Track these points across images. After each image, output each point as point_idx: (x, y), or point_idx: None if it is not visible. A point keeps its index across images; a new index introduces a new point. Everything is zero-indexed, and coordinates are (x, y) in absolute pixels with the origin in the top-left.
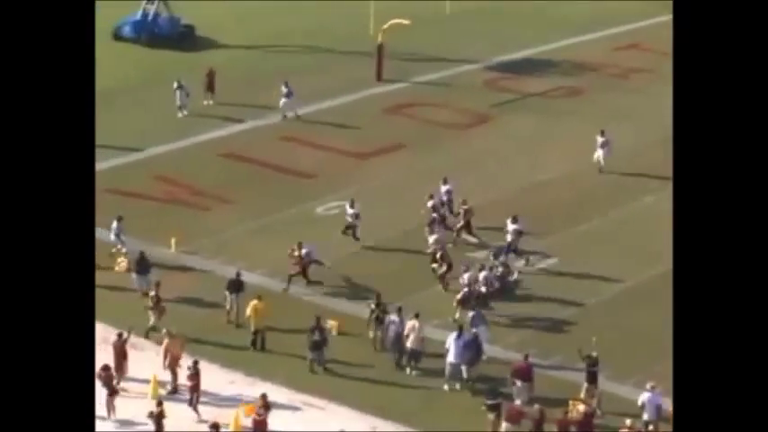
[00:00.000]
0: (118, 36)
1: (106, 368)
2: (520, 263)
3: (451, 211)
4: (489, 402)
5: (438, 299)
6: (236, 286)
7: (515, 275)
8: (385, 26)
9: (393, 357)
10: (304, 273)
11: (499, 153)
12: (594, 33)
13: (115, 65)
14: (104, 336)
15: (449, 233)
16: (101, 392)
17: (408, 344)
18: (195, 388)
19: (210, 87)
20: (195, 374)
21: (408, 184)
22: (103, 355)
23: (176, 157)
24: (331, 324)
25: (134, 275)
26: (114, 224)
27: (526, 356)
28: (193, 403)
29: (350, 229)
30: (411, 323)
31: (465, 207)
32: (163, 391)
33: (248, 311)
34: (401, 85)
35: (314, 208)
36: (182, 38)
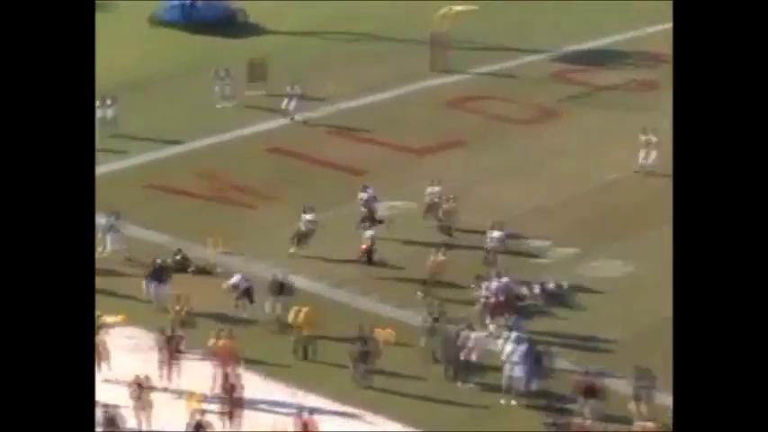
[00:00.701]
0: (157, 21)
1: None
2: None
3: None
4: (549, 420)
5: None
6: (280, 289)
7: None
8: (444, 12)
9: (446, 369)
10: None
11: (567, 151)
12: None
13: (154, 52)
14: (142, 342)
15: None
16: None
17: (463, 355)
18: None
19: (256, 77)
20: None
21: (468, 184)
22: (139, 364)
23: (219, 151)
24: (380, 333)
25: (150, 285)
26: (108, 220)
27: (586, 372)
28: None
29: (302, 238)
30: (467, 333)
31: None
32: (202, 404)
33: (292, 317)
34: (461, 76)
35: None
36: (225, 23)
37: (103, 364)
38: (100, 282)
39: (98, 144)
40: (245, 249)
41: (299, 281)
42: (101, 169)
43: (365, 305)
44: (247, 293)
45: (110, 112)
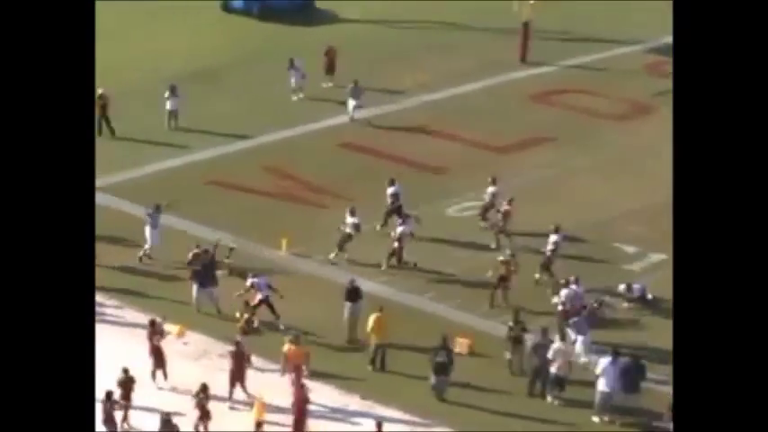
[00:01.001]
0: (227, 8)
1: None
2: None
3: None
4: None
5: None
6: (354, 296)
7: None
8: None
9: (531, 382)
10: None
11: (662, 149)
12: None
13: (223, 40)
14: (205, 348)
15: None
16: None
17: (553, 369)
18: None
19: (330, 68)
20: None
21: (556, 183)
22: (199, 371)
23: (290, 146)
24: (461, 343)
25: (194, 288)
26: (148, 213)
27: None
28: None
29: (344, 242)
30: (557, 345)
31: (506, 207)
32: (266, 415)
33: (369, 325)
34: (549, 68)
35: (445, 208)
36: (298, 10)
37: (159, 372)
38: (158, 284)
39: (159, 137)
40: (313, 251)
41: (373, 287)
42: (160, 165)
43: (440, 311)
44: (267, 304)
45: (172, 104)
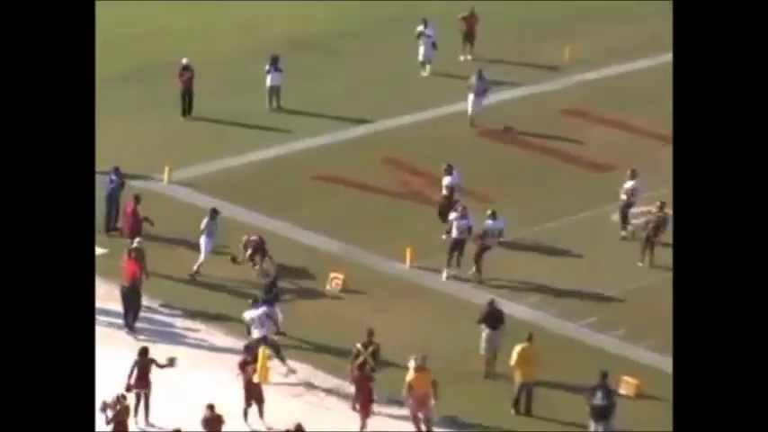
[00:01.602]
0: None
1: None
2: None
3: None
4: None
5: None
6: (494, 320)
7: None
8: None
9: None
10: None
11: None
12: None
13: (334, 2)
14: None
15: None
16: None
17: None
18: None
19: (469, 37)
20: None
21: None
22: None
23: (415, 133)
24: (626, 382)
25: (250, 316)
26: (204, 221)
27: None
28: None
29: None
30: None
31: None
32: None
33: (514, 358)
34: None
35: (609, 214)
36: None
37: (252, 410)
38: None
39: (258, 121)
40: (444, 264)
41: (518, 309)
42: (258, 155)
43: (601, 342)
44: (271, 345)
45: (273, 79)
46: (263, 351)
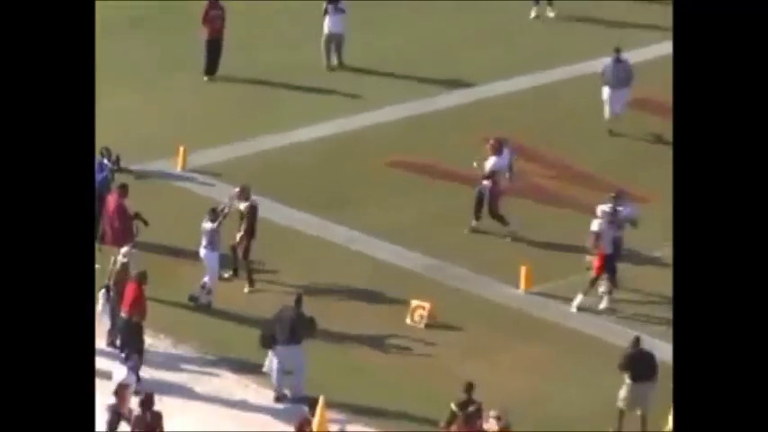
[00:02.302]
0: None
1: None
2: None
3: None
4: None
5: None
6: (644, 369)
7: None
8: None
9: None
10: None
11: None
12: None
13: None
14: None
15: None
16: None
17: None
18: None
19: None
20: None
21: None
22: None
23: (533, 103)
24: None
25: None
26: (204, 225)
27: None
28: None
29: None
30: None
31: None
32: None
33: (671, 421)
34: None
35: None
36: None
37: None
38: None
39: (310, 83)
40: (570, 290)
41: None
42: (308, 132)
43: None
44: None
45: (333, 25)
46: (321, 405)
